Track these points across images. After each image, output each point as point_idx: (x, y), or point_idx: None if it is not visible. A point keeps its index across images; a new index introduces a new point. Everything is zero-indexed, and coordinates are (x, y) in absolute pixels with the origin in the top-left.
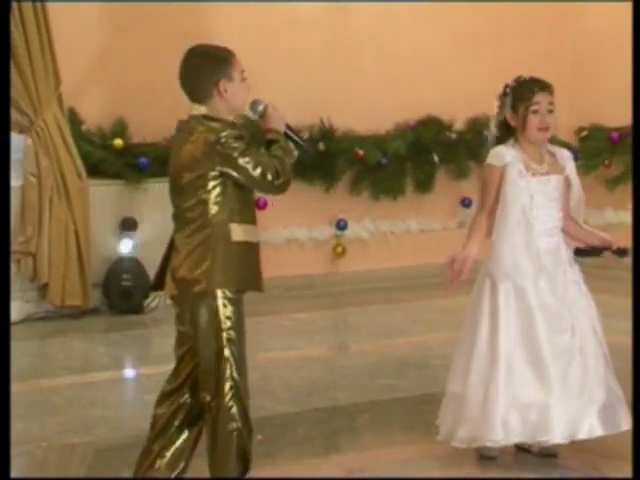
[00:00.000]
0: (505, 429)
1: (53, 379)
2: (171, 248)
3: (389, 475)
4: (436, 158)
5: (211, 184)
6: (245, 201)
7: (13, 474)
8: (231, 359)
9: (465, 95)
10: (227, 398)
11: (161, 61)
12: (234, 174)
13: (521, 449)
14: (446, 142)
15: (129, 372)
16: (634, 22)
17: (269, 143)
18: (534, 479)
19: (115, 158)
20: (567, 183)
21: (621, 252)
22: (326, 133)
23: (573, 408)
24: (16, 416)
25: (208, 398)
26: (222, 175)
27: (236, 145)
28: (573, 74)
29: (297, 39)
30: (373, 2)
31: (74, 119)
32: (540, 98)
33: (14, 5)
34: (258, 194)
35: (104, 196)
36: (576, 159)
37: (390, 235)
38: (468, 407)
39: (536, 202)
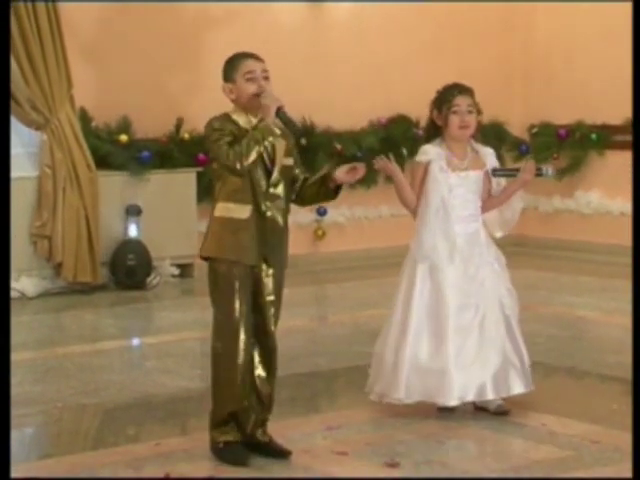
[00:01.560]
0: (407, 389)
1: (67, 347)
2: None
3: (364, 431)
4: (405, 152)
5: (214, 170)
6: (240, 183)
7: (32, 430)
8: (215, 322)
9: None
10: (213, 354)
11: (162, 65)
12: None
13: (478, 408)
14: (413, 138)
15: (133, 341)
16: (634, 22)
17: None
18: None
19: (121, 152)
20: (488, 176)
21: (538, 171)
22: (307, 130)
23: (466, 375)
24: (35, 380)
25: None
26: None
27: (207, 134)
28: (525, 77)
29: (280, 47)
30: (349, 2)
31: (84, 117)
32: (459, 101)
33: (31, 15)
34: None
35: (111, 185)
36: (528, 152)
37: (364, 220)
38: (383, 366)
39: (454, 194)
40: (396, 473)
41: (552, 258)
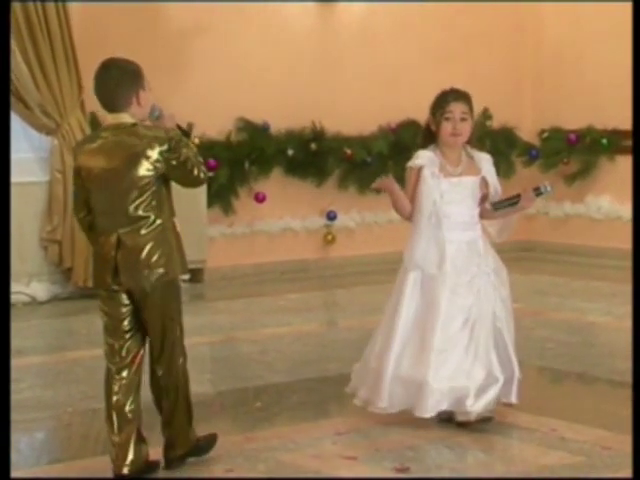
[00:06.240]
0: (390, 399)
1: (77, 352)
2: (118, 247)
3: (373, 437)
4: None
5: (155, 186)
6: (171, 196)
7: (42, 435)
8: (180, 338)
9: None
10: (179, 372)
11: (170, 70)
12: (174, 175)
13: (444, 419)
14: None
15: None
16: (634, 22)
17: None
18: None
19: None
20: (485, 182)
21: (536, 191)
22: (317, 134)
23: (446, 386)
24: (45, 384)
25: (161, 372)
26: (161, 177)
27: (176, 139)
28: (535, 83)
29: (290, 52)
30: (360, 2)
31: (95, 122)
32: (453, 107)
33: (42, 20)
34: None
35: None
36: (538, 158)
37: (374, 225)
38: (368, 373)
39: (447, 200)
40: None
41: (563, 263)
